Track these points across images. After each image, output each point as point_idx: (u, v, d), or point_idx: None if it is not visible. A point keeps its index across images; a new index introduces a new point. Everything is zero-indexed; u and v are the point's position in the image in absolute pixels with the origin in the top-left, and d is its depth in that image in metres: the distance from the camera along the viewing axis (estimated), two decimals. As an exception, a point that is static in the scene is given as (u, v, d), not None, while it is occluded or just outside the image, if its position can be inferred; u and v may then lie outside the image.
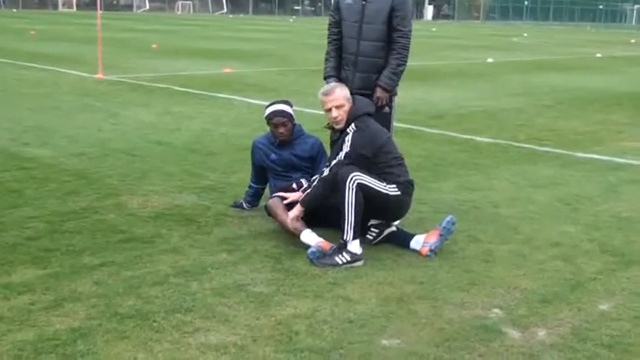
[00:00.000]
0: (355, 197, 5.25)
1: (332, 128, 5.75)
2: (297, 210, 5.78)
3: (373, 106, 5.83)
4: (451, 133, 10.95)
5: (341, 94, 5.58)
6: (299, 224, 5.65)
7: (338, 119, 5.55)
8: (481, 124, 12.05)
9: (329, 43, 6.51)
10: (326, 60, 6.55)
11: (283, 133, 6.21)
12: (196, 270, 5.09)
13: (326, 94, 5.59)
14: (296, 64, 22.60)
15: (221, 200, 6.90)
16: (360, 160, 5.41)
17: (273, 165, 6.31)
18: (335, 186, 5.35)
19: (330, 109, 5.56)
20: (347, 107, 5.55)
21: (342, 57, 6.38)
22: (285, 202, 5.85)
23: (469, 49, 31.72)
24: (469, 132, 11.15)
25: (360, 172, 5.31)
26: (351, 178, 5.26)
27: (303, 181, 6.11)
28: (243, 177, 7.68)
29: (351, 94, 5.73)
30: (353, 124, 5.55)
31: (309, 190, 5.95)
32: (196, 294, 4.67)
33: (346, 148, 5.47)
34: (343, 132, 5.60)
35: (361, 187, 5.26)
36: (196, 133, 10.42)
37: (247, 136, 9.27)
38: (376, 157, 5.49)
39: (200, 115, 12.11)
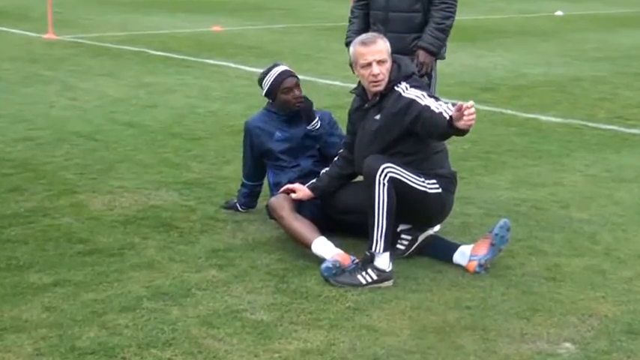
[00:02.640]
0: (387, 196, 5.25)
1: (362, 94, 5.73)
2: (302, 192, 5.84)
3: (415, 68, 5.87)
4: (507, 111, 10.92)
5: (384, 46, 5.54)
6: (303, 225, 5.70)
7: (379, 78, 5.51)
8: (547, 98, 12.00)
9: None
10: (350, 21, 6.57)
11: (300, 96, 6.28)
12: (177, 291, 5.11)
13: (365, 43, 5.53)
14: (307, 20, 22.60)
15: (209, 200, 6.92)
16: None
17: (278, 148, 6.32)
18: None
19: (369, 64, 5.51)
20: (388, 65, 5.53)
21: (370, 15, 6.40)
22: (294, 196, 5.87)
23: (532, -2, 31.58)
24: (531, 109, 11.11)
25: (393, 162, 5.30)
26: (382, 171, 5.25)
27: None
28: (238, 168, 7.68)
29: None
30: (404, 84, 5.52)
31: (326, 170, 5.99)
32: (177, 323, 4.69)
33: (424, 97, 5.41)
34: (383, 97, 5.55)
35: (394, 183, 5.26)
36: (178, 112, 10.44)
37: (244, 114, 9.29)
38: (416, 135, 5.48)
39: (183, 88, 12.13)
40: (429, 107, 5.30)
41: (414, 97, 5.41)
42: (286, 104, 6.27)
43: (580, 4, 30.00)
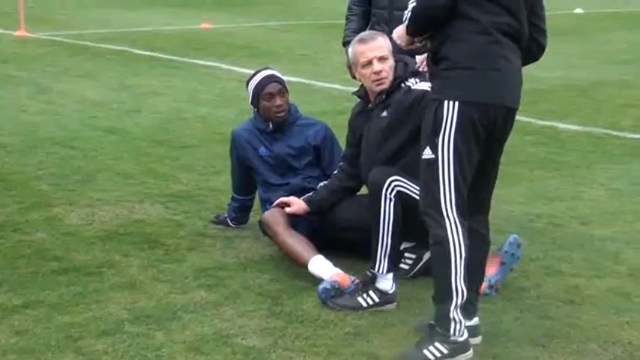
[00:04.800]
0: (394, 212, 5.27)
1: (364, 96, 5.75)
2: (297, 206, 5.86)
3: None
4: (522, 118, 10.85)
5: (385, 42, 5.58)
6: (299, 242, 5.72)
7: (382, 75, 5.55)
8: (566, 104, 12.02)
9: None
10: (347, 19, 6.59)
11: (282, 105, 6.27)
12: (162, 314, 5.11)
13: (364, 41, 5.58)
14: (304, 17, 22.65)
15: (198, 214, 6.93)
16: None
17: (263, 164, 6.34)
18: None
19: (370, 62, 5.55)
20: (391, 62, 5.57)
21: (372, 14, 6.42)
22: (289, 210, 5.90)
23: (551, -6, 31.62)
24: (548, 116, 11.13)
25: (400, 175, 5.31)
26: (389, 184, 5.27)
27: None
28: (229, 180, 7.69)
29: None
30: (413, 79, 5.56)
31: (325, 182, 6.00)
32: (162, 349, 4.69)
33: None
34: (389, 95, 5.58)
35: (402, 197, 5.28)
36: (164, 117, 10.46)
37: (235, 120, 9.31)
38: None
39: (169, 91, 12.15)
40: None
41: (427, 88, 5.42)
42: (266, 112, 6.28)
43: (601, 0, 30.03)
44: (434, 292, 4.59)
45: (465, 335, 4.52)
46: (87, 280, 5.56)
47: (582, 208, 7.37)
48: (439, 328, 4.51)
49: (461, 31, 4.42)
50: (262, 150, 6.34)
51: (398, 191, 5.26)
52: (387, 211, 5.26)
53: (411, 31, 4.63)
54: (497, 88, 4.47)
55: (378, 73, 5.51)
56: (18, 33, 17.59)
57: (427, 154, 4.51)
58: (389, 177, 5.29)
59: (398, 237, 5.32)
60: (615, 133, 10.26)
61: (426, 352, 4.50)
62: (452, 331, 4.47)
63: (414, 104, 5.46)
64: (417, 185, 5.33)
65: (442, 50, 4.50)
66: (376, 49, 5.52)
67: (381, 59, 5.52)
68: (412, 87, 5.54)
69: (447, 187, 4.45)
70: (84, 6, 23.38)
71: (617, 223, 7.00)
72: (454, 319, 4.47)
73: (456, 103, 4.40)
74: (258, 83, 6.27)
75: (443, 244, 4.47)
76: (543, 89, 13.00)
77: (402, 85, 5.57)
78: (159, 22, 20.52)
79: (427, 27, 4.52)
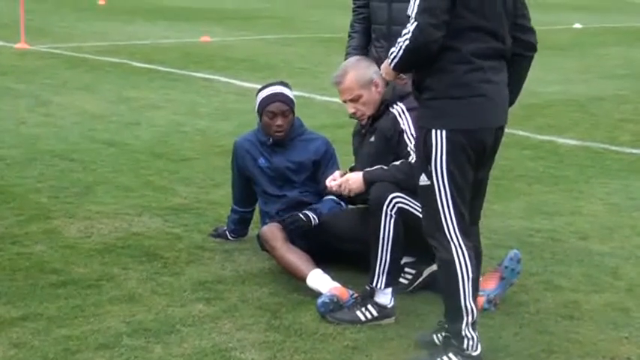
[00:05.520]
0: (394, 228, 5.26)
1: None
2: (353, 178, 5.53)
3: None
4: (520, 132, 10.93)
5: (353, 79, 5.55)
6: (298, 256, 5.72)
7: (357, 115, 5.60)
8: (564, 118, 12.03)
9: (354, 12, 6.64)
10: (349, 36, 6.64)
11: (282, 126, 6.25)
12: (161, 327, 5.10)
13: (335, 82, 5.62)
14: (303, 30, 22.66)
15: (197, 227, 6.93)
16: None
17: (261, 175, 6.33)
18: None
19: (345, 102, 5.62)
20: (366, 97, 5.56)
21: (372, 29, 6.45)
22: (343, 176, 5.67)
23: (548, 9, 31.72)
24: (546, 130, 11.14)
25: (401, 191, 5.30)
26: (390, 201, 5.27)
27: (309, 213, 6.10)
28: (228, 193, 7.70)
29: None
30: (401, 105, 5.56)
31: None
32: (160, 362, 4.70)
33: (412, 136, 5.42)
34: (375, 120, 5.61)
35: (402, 214, 5.27)
36: (163, 130, 10.46)
37: (234, 132, 9.29)
38: None
39: (168, 104, 12.15)
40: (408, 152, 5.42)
41: (405, 129, 5.52)
42: (266, 128, 6.28)
43: (600, 15, 30.09)
44: (444, 312, 4.66)
45: (479, 350, 4.59)
46: (85, 293, 5.55)
47: (581, 222, 7.37)
48: (454, 340, 4.56)
49: (444, 62, 4.46)
50: (261, 161, 6.33)
51: (399, 208, 5.25)
52: (387, 227, 5.25)
53: (399, 68, 4.63)
54: (483, 113, 4.54)
55: (353, 114, 5.60)
56: (18, 45, 17.59)
57: (423, 180, 4.59)
58: (390, 193, 5.28)
59: (398, 253, 5.31)
60: (613, 148, 10.27)
61: None
62: (465, 346, 4.55)
63: (394, 139, 5.52)
64: (417, 202, 5.34)
65: (426, 80, 4.54)
66: (345, 92, 5.57)
67: (352, 100, 5.56)
68: (398, 117, 5.55)
69: (447, 211, 4.53)
70: (83, 19, 23.41)
71: (615, 238, 7.00)
72: (467, 336, 4.55)
73: (444, 132, 4.47)
74: (264, 99, 6.25)
75: (450, 266, 4.55)
76: (540, 104, 13.01)
77: (390, 109, 5.59)
78: (158, 35, 20.54)
79: (419, 63, 4.53)
